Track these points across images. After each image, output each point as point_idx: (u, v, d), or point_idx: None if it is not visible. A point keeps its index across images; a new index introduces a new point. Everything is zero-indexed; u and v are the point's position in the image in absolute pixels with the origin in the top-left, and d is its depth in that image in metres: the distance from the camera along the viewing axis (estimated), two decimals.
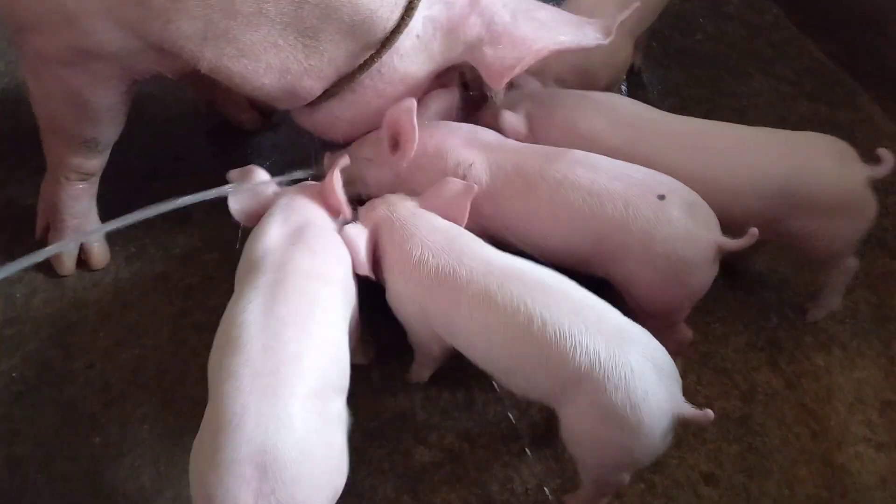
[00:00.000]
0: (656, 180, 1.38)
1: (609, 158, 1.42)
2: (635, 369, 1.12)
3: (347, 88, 1.47)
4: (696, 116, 2.06)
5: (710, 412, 1.14)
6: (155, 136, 1.94)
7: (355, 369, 1.61)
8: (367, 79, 1.46)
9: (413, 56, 1.45)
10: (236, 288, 1.29)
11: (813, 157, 1.48)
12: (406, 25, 1.38)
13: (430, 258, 1.31)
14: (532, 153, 1.46)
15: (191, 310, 1.68)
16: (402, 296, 1.37)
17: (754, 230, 1.31)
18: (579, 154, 1.43)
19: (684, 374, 1.60)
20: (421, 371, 1.56)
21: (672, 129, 1.55)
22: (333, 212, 1.46)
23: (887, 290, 1.75)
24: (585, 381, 1.14)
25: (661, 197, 1.34)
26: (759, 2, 2.41)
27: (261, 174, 1.51)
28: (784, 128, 2.04)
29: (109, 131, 1.55)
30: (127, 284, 1.73)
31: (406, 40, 1.41)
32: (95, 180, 1.66)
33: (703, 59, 2.26)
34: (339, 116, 1.54)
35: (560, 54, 1.46)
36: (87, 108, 1.46)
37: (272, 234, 1.35)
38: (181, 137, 2.03)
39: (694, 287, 1.39)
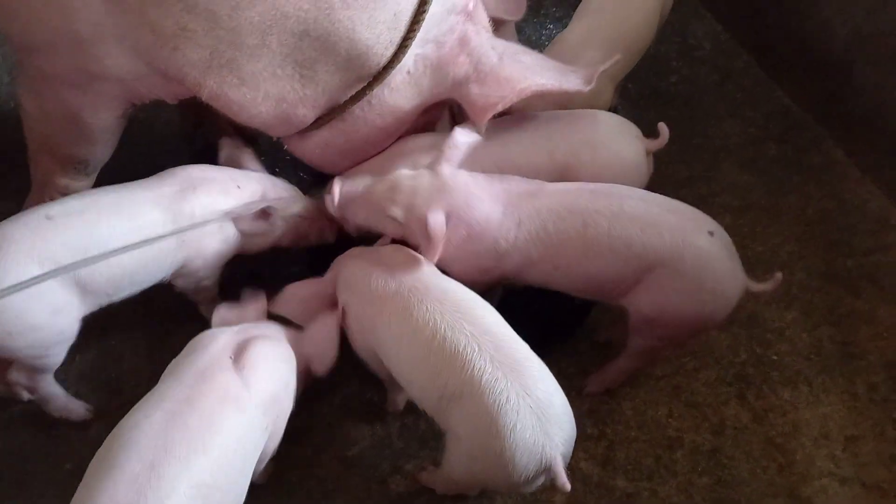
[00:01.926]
0: (703, 216, 1.43)
1: (644, 191, 1.47)
2: (511, 400, 1.15)
3: (338, 118, 1.51)
4: (667, 155, 2.14)
5: (567, 485, 1.16)
6: (140, 159, 1.93)
7: (334, 397, 1.63)
8: (357, 109, 1.50)
9: (403, 90, 1.49)
10: (164, 374, 1.23)
11: (595, 133, 1.59)
12: (399, 62, 1.42)
13: (369, 272, 1.37)
14: (577, 191, 1.44)
15: (169, 333, 1.68)
16: (351, 315, 1.40)
17: (779, 275, 1.41)
18: (623, 188, 1.45)
19: (656, 406, 1.65)
20: (395, 399, 1.58)
21: None
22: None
23: (851, 329, 1.81)
24: (465, 398, 1.19)
25: (711, 233, 1.38)
26: (731, 48, 2.50)
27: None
28: (754, 169, 2.15)
29: (101, 153, 1.57)
30: (105, 307, 1.72)
31: (398, 75, 1.46)
32: None
33: (676, 100, 2.34)
34: (329, 144, 1.57)
35: (544, 98, 1.51)
36: (83, 129, 1.48)
37: (220, 340, 1.26)
38: (166, 160, 2.03)
39: (717, 320, 1.46)
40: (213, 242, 1.50)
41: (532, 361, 1.23)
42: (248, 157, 1.68)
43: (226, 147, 1.69)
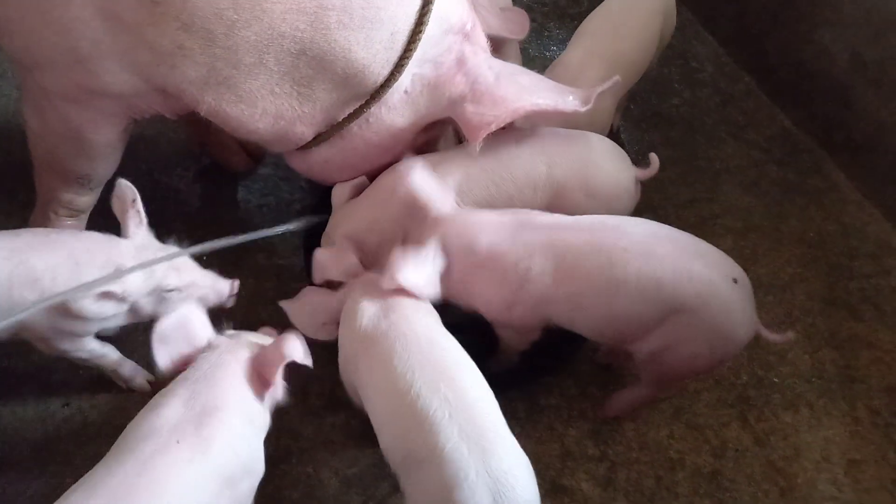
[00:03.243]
0: (729, 262, 1.39)
1: (671, 228, 1.42)
2: (469, 477, 1.08)
3: (337, 135, 1.52)
4: (670, 177, 2.16)
5: None
6: (145, 176, 1.96)
7: (335, 417, 1.63)
8: (355, 127, 1.51)
9: (400, 109, 1.51)
10: (110, 452, 1.11)
11: (591, 154, 1.60)
12: (395, 80, 1.44)
13: (365, 309, 1.31)
14: (602, 226, 1.40)
15: None
16: (340, 343, 1.36)
17: (790, 334, 1.44)
18: (652, 224, 1.41)
19: (657, 427, 1.65)
20: None
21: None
22: (264, 384, 1.25)
23: (852, 352, 1.81)
24: (426, 464, 1.12)
25: (735, 280, 1.35)
26: (732, 71, 2.52)
27: (199, 320, 1.29)
28: (755, 192, 2.16)
29: (104, 168, 1.58)
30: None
31: (395, 94, 1.47)
32: (84, 218, 1.67)
33: (678, 122, 2.36)
34: (328, 161, 1.59)
35: (547, 115, 1.53)
36: (85, 145, 1.49)
37: (165, 417, 1.12)
38: (171, 177, 2.05)
39: (722, 364, 1.47)
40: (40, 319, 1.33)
41: (503, 437, 1.15)
42: (133, 214, 1.41)
43: (118, 190, 1.42)
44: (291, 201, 2.03)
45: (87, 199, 1.65)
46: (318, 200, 1.93)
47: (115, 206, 1.43)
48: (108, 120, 1.48)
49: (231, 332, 1.35)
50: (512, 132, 1.62)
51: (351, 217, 1.60)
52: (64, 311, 1.31)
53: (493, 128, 1.48)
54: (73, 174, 1.57)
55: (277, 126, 1.46)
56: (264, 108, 1.42)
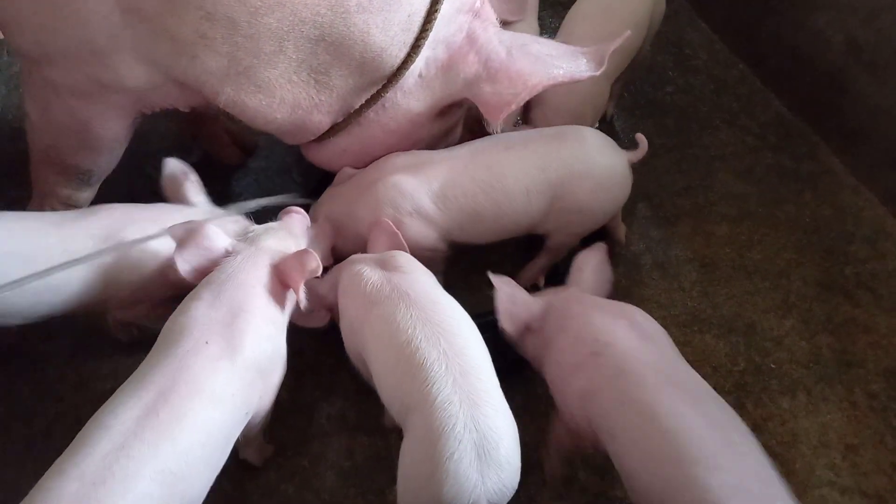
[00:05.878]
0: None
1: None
2: (457, 428, 1.10)
3: (354, 123, 1.51)
4: (664, 165, 2.15)
5: None
6: (136, 171, 1.94)
7: (331, 409, 1.62)
8: (372, 113, 1.51)
9: (415, 93, 1.50)
10: (150, 354, 1.19)
11: (582, 149, 1.60)
12: (411, 63, 1.43)
13: (369, 276, 1.36)
14: None
15: None
16: (343, 316, 1.39)
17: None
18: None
19: None
20: (392, 416, 1.56)
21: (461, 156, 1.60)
22: (283, 286, 1.34)
23: (849, 337, 1.80)
24: (417, 412, 1.16)
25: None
26: (726, 57, 2.51)
27: (210, 230, 1.36)
28: (750, 178, 2.15)
29: (107, 163, 1.57)
30: (101, 316, 1.71)
31: (410, 78, 1.47)
32: None
33: (672, 110, 2.35)
34: (346, 150, 1.59)
35: (551, 101, 1.51)
36: (90, 139, 1.48)
37: (194, 318, 1.21)
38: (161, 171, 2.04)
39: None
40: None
41: (493, 397, 1.18)
42: (190, 185, 1.54)
43: (168, 169, 1.55)
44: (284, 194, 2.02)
45: (86, 195, 1.63)
46: (309, 193, 1.93)
47: (168, 185, 1.53)
48: (117, 114, 1.46)
49: (252, 228, 1.44)
50: (500, 138, 1.60)
51: (334, 200, 1.62)
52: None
53: (514, 107, 1.47)
54: (74, 169, 1.55)
55: (295, 115, 1.46)
56: (282, 97, 1.41)
